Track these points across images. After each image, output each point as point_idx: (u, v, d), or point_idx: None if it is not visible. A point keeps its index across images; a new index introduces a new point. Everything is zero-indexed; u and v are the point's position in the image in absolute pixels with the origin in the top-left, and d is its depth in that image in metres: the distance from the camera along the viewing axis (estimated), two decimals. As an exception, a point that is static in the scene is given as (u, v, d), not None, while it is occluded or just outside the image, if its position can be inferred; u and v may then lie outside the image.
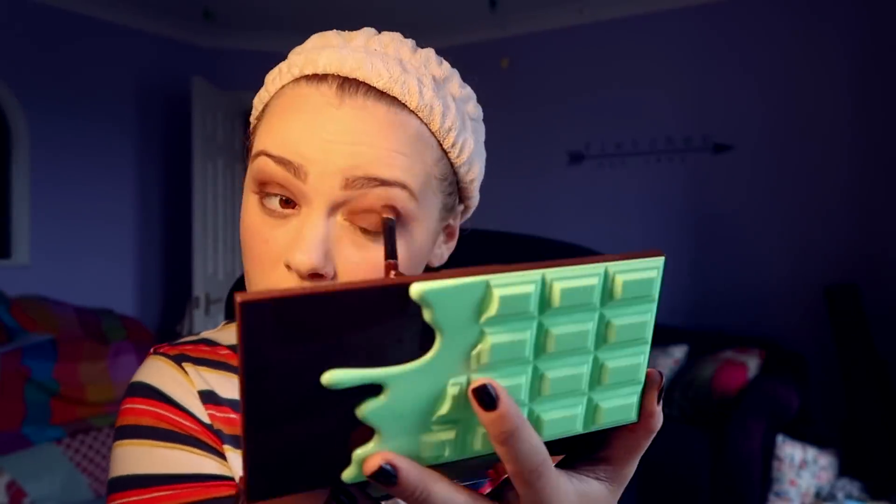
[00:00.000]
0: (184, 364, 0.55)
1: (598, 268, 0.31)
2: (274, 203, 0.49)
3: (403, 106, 0.49)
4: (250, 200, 0.50)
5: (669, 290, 3.62)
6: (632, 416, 0.35)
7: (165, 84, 4.14)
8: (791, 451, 2.68)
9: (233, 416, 0.53)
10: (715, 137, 3.56)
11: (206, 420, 0.53)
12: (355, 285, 0.28)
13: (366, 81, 0.48)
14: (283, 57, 0.54)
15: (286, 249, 0.47)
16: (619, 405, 0.35)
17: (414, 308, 0.29)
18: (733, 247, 3.50)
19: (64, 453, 2.62)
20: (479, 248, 0.60)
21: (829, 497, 2.61)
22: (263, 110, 0.53)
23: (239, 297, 0.26)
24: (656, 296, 0.33)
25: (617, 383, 0.34)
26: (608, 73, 3.85)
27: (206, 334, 0.60)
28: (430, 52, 0.54)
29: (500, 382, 0.31)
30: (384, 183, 0.47)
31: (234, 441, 0.53)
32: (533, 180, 3.99)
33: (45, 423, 2.71)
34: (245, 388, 0.27)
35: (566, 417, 0.33)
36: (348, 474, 0.31)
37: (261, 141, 0.50)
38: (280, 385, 0.28)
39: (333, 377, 0.28)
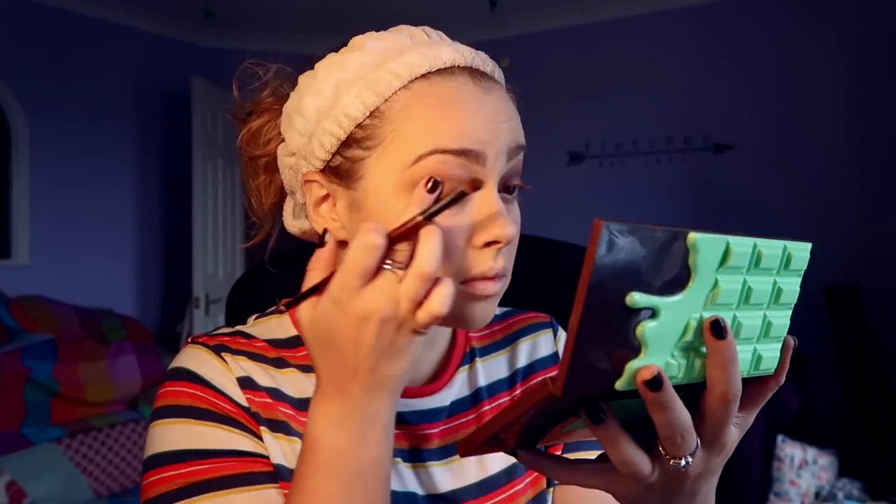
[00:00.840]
0: (223, 354, 0.57)
1: (780, 244, 0.41)
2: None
3: (500, 84, 0.58)
4: (413, 198, 0.48)
5: (669, 290, 3.62)
6: (772, 368, 0.43)
7: (165, 84, 4.14)
8: (791, 451, 2.68)
9: (269, 400, 0.56)
10: (715, 137, 3.56)
11: (245, 403, 0.55)
12: (667, 228, 0.36)
13: (480, 69, 0.55)
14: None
15: (478, 229, 0.52)
16: (770, 356, 0.42)
17: (684, 251, 0.37)
18: (733, 247, 3.50)
19: (64, 453, 2.62)
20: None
21: (829, 497, 2.61)
22: (377, 117, 0.53)
23: (598, 220, 0.34)
24: (803, 269, 0.42)
25: (773, 338, 0.42)
26: (608, 73, 3.84)
27: (240, 328, 0.62)
28: None
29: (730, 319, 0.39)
30: (523, 147, 0.57)
31: (271, 424, 0.55)
32: (533, 180, 3.98)
33: (45, 423, 2.71)
34: (585, 298, 0.34)
35: (742, 360, 0.40)
36: (620, 383, 0.37)
37: (424, 141, 0.51)
38: (603, 299, 0.35)
39: (634, 299, 0.35)
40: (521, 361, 0.67)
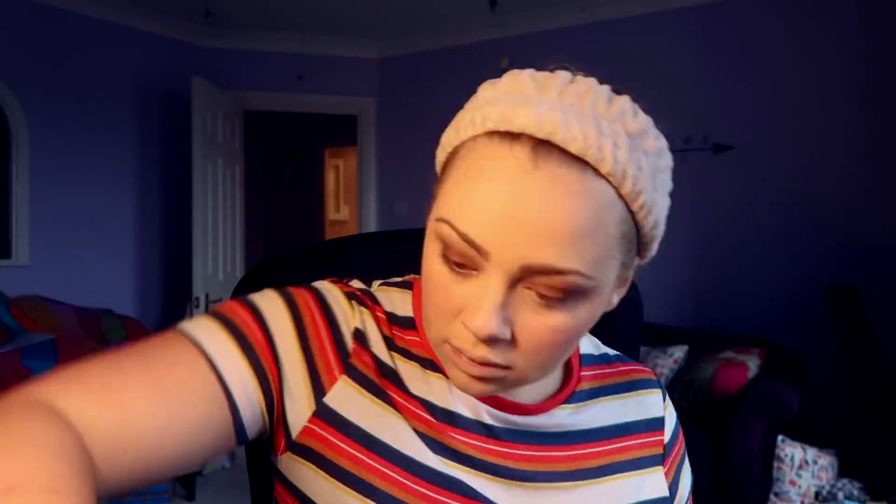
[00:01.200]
0: (353, 301, 0.59)
1: None
2: (455, 261, 0.49)
3: (595, 171, 0.47)
4: (433, 248, 0.51)
5: (669, 290, 3.62)
6: None
7: (165, 84, 4.14)
8: (791, 451, 2.68)
9: (371, 363, 0.56)
10: (715, 137, 3.56)
11: (348, 346, 0.56)
12: None
13: (560, 145, 0.47)
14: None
15: (465, 307, 0.49)
16: None
17: None
18: (733, 247, 3.50)
19: (64, 453, 2.62)
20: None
21: (829, 497, 2.62)
22: (453, 155, 0.52)
23: None
24: None
25: None
26: (608, 73, 3.82)
27: (366, 289, 0.62)
28: (625, 103, 0.52)
29: None
30: (560, 272, 0.46)
31: (360, 379, 0.56)
32: (533, 180, 3.99)
33: (45, 424, 2.71)
34: None
35: None
36: None
37: (446, 203, 0.50)
38: None
39: None
40: (630, 415, 0.63)
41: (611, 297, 0.54)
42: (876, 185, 3.16)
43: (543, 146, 0.47)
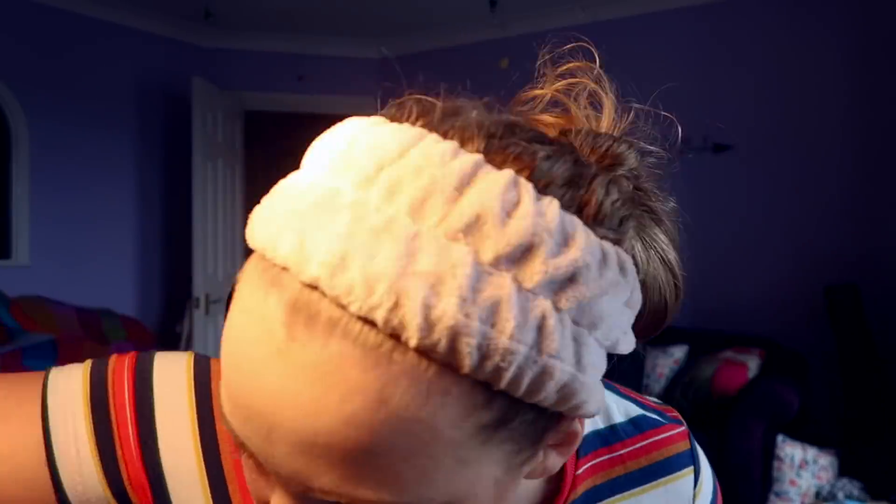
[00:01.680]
0: None
1: None
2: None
3: (399, 341, 0.26)
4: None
5: (669, 290, 3.62)
6: None
7: (165, 84, 4.14)
8: (791, 451, 2.68)
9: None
10: (715, 137, 3.56)
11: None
12: None
13: (335, 300, 0.26)
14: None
15: None
16: None
17: None
18: (733, 246, 3.50)
19: (64, 453, 2.62)
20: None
21: (829, 497, 2.61)
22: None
23: None
24: None
25: None
26: (608, 73, 3.84)
27: None
28: (495, 183, 0.27)
29: None
30: (356, 501, 0.28)
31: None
32: (533, 180, 3.99)
33: (45, 424, 2.71)
34: None
35: None
36: None
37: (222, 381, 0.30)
38: None
39: None
40: None
41: (532, 476, 0.34)
42: (876, 186, 3.16)
43: (308, 299, 0.26)
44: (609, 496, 0.45)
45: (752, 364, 2.92)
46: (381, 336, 0.25)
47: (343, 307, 0.26)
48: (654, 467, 0.47)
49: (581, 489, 0.44)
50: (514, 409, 0.28)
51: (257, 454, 0.29)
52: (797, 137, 3.34)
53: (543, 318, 0.27)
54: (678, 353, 3.20)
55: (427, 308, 0.25)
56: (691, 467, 0.49)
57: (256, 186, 5.58)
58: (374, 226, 0.26)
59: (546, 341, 0.27)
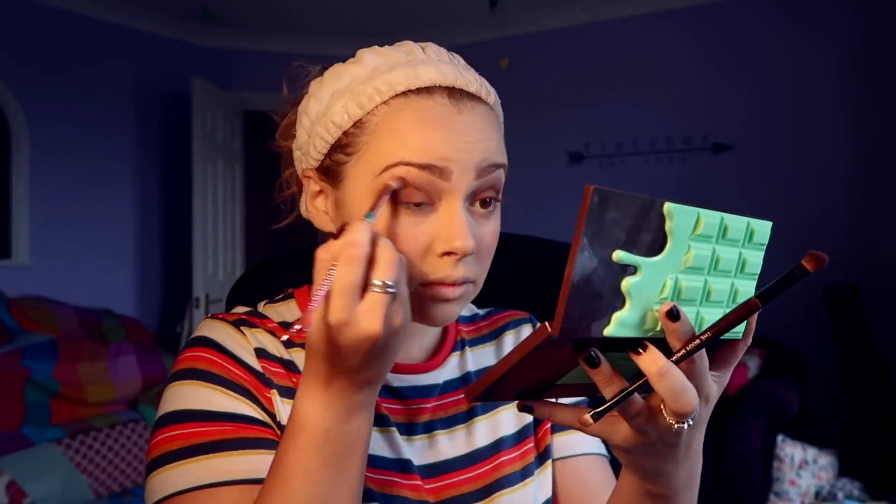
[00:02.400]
0: (241, 327, 0.62)
1: (744, 220, 0.46)
2: (412, 203, 0.56)
3: (486, 104, 0.61)
4: (389, 208, 0.57)
5: (669, 290, 3.63)
6: (740, 333, 0.48)
7: (165, 84, 4.14)
8: (791, 451, 2.68)
9: (283, 371, 0.61)
10: (715, 137, 3.56)
11: (259, 369, 0.60)
12: (645, 198, 0.41)
13: (464, 89, 0.58)
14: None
15: (438, 239, 0.56)
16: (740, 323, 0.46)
17: (661, 219, 0.42)
18: (733, 247, 3.50)
19: (64, 453, 2.62)
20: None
21: (829, 497, 2.61)
22: (359, 127, 0.58)
23: (591, 186, 0.39)
24: (765, 245, 0.48)
25: (736, 303, 0.47)
26: (608, 73, 3.84)
27: (252, 310, 0.68)
28: (459, 57, 0.64)
29: (687, 285, 0.44)
30: (499, 166, 0.59)
31: (283, 391, 0.60)
32: (533, 180, 3.99)
33: (45, 424, 2.71)
34: (577, 251, 0.39)
35: (712, 322, 0.45)
36: (608, 330, 0.42)
37: (392, 153, 0.56)
38: (593, 253, 0.40)
39: (619, 255, 0.41)
40: (507, 349, 0.71)
41: None
42: (875, 185, 3.16)
43: (455, 92, 0.58)
44: (477, 345, 0.73)
45: (752, 364, 2.92)
46: (482, 100, 0.60)
47: (467, 91, 0.59)
48: (504, 326, 0.76)
49: (461, 336, 0.73)
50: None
51: (452, 165, 0.55)
52: (797, 137, 3.34)
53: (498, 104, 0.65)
54: (678, 353, 3.20)
55: (489, 89, 0.62)
56: (530, 323, 0.77)
57: (256, 186, 5.62)
58: (449, 62, 0.61)
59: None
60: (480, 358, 0.72)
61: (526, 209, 4.02)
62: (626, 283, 0.42)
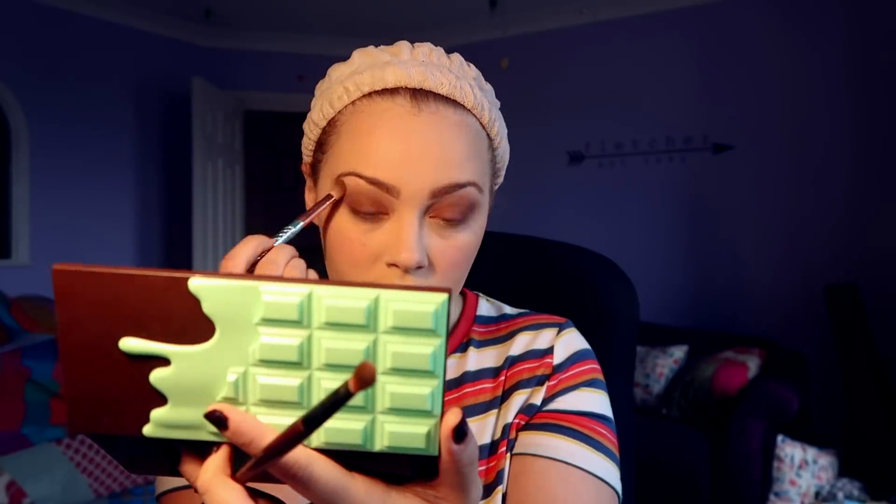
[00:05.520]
0: None
1: (371, 293, 0.34)
2: (364, 211, 0.55)
3: (463, 107, 0.57)
4: (341, 209, 0.56)
5: (669, 290, 3.62)
6: (424, 446, 0.36)
7: (165, 84, 4.14)
8: (791, 451, 2.68)
9: None
10: (715, 137, 3.56)
11: None
12: (147, 272, 0.33)
13: (433, 90, 0.55)
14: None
15: (386, 250, 0.55)
16: (407, 432, 0.35)
17: (193, 300, 0.34)
18: (733, 246, 3.50)
19: (64, 453, 2.62)
20: (478, 250, 0.61)
21: (829, 497, 2.61)
22: (331, 126, 0.58)
23: (56, 266, 0.33)
24: (441, 331, 0.34)
25: (400, 409, 0.35)
26: (608, 73, 3.84)
27: None
28: (458, 56, 0.61)
29: (272, 381, 0.35)
30: (462, 186, 0.55)
31: None
32: (533, 180, 3.99)
33: (45, 423, 2.71)
34: (59, 335, 0.34)
35: (345, 429, 0.35)
36: (148, 430, 0.36)
37: (347, 160, 0.55)
38: (88, 341, 0.34)
39: (127, 344, 0.34)
40: (514, 351, 0.68)
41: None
42: (876, 185, 3.16)
43: (420, 93, 0.55)
44: (488, 345, 0.69)
45: (752, 364, 2.92)
46: (458, 104, 0.57)
47: (438, 93, 0.56)
48: (524, 328, 0.69)
49: (469, 337, 0.69)
50: (493, 154, 0.61)
51: (400, 183, 0.53)
52: (797, 138, 3.34)
53: (496, 107, 0.61)
54: (678, 353, 3.20)
55: (472, 91, 0.57)
56: (556, 327, 0.69)
57: (256, 186, 5.61)
58: (430, 62, 0.58)
59: (501, 120, 0.62)
60: (484, 359, 0.69)
61: (526, 209, 4.02)
62: (153, 376, 0.34)
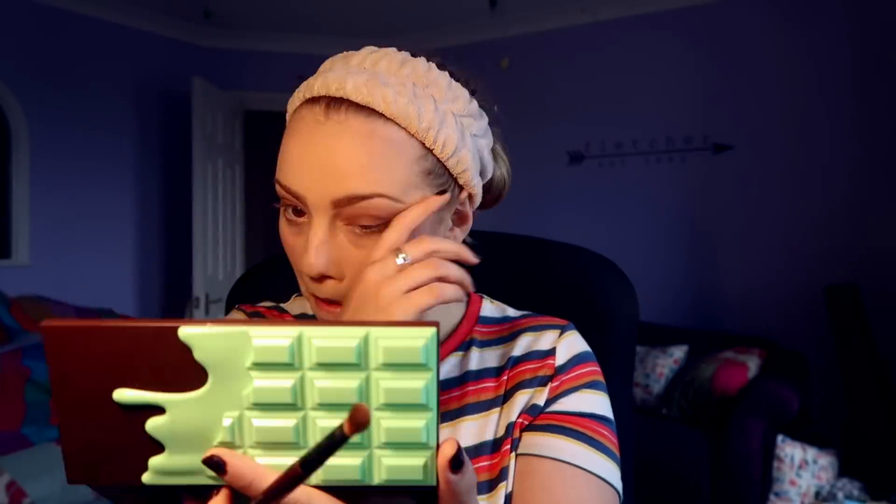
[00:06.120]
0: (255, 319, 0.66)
1: (360, 331, 0.34)
2: (290, 213, 0.58)
3: (381, 115, 0.55)
4: (281, 212, 0.60)
5: (669, 290, 3.62)
6: (422, 477, 0.36)
7: (165, 84, 4.14)
8: (791, 451, 2.68)
9: None
10: (715, 137, 3.56)
11: None
12: (137, 323, 0.34)
13: (347, 98, 0.55)
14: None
15: (301, 257, 0.57)
16: (404, 465, 0.36)
17: (184, 348, 0.34)
18: (733, 246, 3.50)
19: (64, 453, 2.62)
20: (479, 250, 0.60)
21: (829, 497, 2.61)
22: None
23: (44, 323, 0.34)
24: (432, 364, 0.35)
25: (396, 444, 0.36)
26: (608, 73, 3.84)
27: (280, 304, 0.73)
28: (419, 62, 0.60)
29: (268, 423, 0.35)
30: (364, 198, 0.54)
31: None
32: (533, 180, 3.99)
33: (45, 423, 2.71)
34: (53, 390, 0.34)
35: (343, 466, 0.36)
36: (147, 478, 0.36)
37: (277, 167, 0.58)
38: (82, 393, 0.34)
39: (121, 395, 0.35)
40: (516, 351, 0.69)
41: (443, 232, 0.61)
42: (876, 185, 3.16)
43: (335, 102, 0.55)
44: (491, 346, 0.70)
45: (752, 364, 2.92)
46: (376, 112, 0.55)
47: (353, 100, 0.56)
48: (527, 328, 0.69)
49: (471, 337, 0.70)
50: (440, 165, 0.58)
51: (303, 190, 0.55)
52: (797, 137, 3.34)
53: (451, 114, 0.59)
54: (678, 353, 3.20)
55: (395, 99, 0.56)
56: (558, 329, 0.68)
57: (256, 186, 5.62)
58: (367, 70, 0.58)
59: (463, 130, 0.60)
60: (487, 357, 0.70)
61: (526, 209, 4.02)
62: (149, 424, 0.35)
